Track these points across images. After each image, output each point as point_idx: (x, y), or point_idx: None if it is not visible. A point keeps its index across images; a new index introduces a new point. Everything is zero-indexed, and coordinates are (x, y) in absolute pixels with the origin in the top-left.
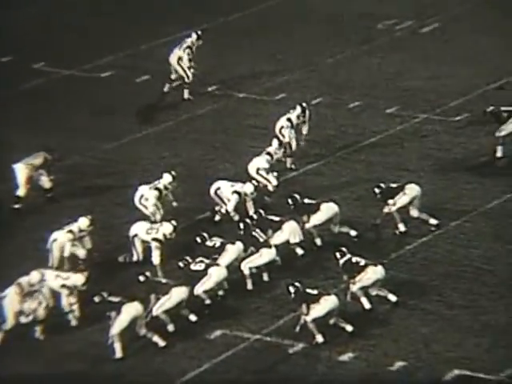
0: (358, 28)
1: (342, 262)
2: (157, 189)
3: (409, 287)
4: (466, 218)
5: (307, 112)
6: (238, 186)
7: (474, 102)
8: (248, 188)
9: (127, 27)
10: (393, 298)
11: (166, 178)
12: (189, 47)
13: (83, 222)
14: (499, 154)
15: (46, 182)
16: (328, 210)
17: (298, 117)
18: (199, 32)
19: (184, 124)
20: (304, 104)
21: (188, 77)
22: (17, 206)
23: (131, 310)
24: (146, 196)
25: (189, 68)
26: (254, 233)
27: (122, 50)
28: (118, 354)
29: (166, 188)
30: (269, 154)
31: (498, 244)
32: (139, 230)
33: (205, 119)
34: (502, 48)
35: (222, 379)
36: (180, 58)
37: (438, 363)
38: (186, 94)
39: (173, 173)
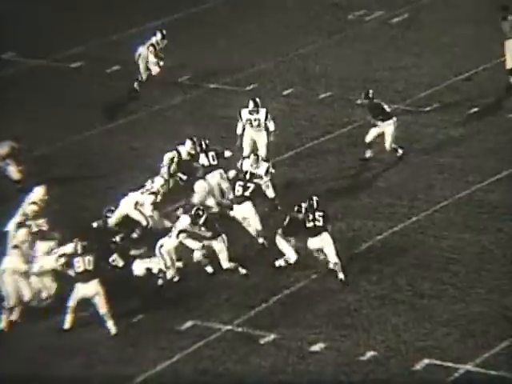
0: (328, 18)
1: None
2: (152, 193)
3: (379, 277)
4: (436, 208)
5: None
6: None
7: (443, 92)
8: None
9: (98, 17)
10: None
11: (158, 182)
12: (152, 45)
13: None
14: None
15: (14, 172)
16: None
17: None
18: (164, 31)
19: (155, 115)
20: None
21: (142, 76)
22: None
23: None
24: (140, 202)
25: (148, 68)
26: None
27: (92, 40)
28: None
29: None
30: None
31: (468, 234)
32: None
33: (176, 110)
34: (472, 38)
35: (193, 370)
36: (143, 56)
37: (409, 352)
38: (135, 85)
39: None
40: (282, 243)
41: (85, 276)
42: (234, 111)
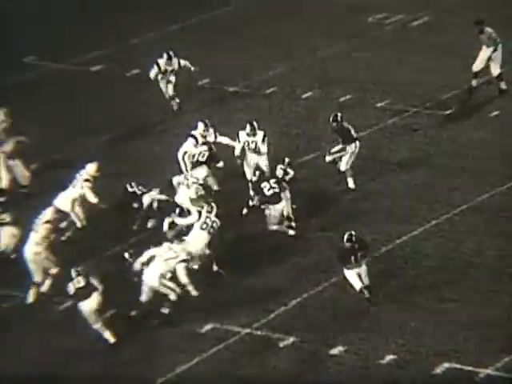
0: (348, 21)
1: None
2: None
3: (399, 281)
4: (456, 211)
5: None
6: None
7: (463, 95)
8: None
9: (118, 20)
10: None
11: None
12: (158, 67)
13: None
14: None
15: (21, 173)
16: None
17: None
18: (171, 53)
19: (173, 118)
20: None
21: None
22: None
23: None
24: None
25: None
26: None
27: (112, 44)
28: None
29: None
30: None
31: (488, 238)
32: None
33: (194, 113)
34: None
35: (212, 373)
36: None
37: (429, 356)
38: (173, 106)
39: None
40: (349, 276)
41: (82, 293)
42: (254, 114)
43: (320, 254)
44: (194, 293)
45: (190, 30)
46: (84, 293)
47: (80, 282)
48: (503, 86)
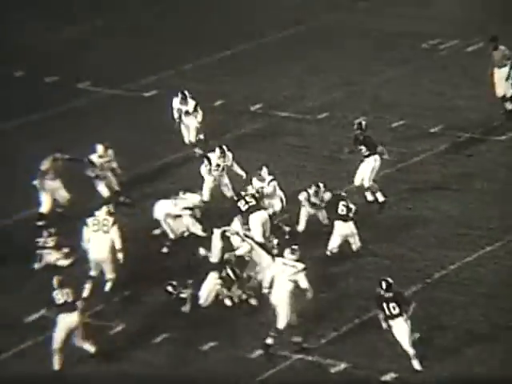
0: (401, 47)
1: None
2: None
3: (452, 307)
4: (511, 237)
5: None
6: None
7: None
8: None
9: (170, 47)
10: None
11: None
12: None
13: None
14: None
15: (62, 197)
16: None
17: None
18: (186, 92)
19: (227, 143)
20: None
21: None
22: (40, 224)
23: None
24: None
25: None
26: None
27: (165, 70)
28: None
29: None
30: None
31: None
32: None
33: (247, 138)
34: None
35: None
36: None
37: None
38: (196, 152)
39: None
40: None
41: (67, 307)
42: (306, 140)
43: (371, 280)
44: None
45: (243, 56)
46: (67, 307)
47: (69, 295)
48: (509, 106)
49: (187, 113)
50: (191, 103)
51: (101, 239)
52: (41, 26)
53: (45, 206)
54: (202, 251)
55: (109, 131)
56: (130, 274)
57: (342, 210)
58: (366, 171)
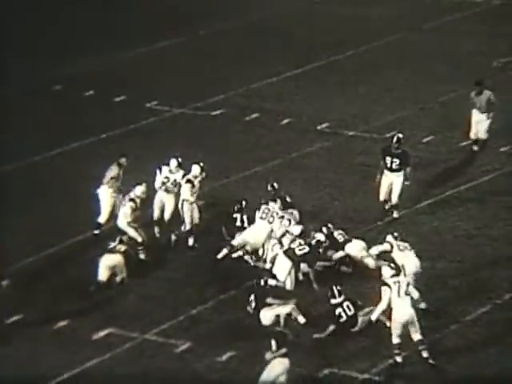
0: (471, 66)
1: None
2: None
3: None
4: None
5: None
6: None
7: None
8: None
9: (238, 66)
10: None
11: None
12: (189, 181)
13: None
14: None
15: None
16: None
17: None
18: (201, 164)
19: (293, 162)
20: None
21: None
22: (96, 232)
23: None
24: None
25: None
26: None
27: (232, 89)
28: None
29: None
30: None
31: None
32: None
33: (314, 157)
34: None
35: None
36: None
37: None
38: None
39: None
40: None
41: None
42: (373, 159)
43: (439, 300)
44: None
45: (310, 74)
46: None
47: None
48: (475, 148)
49: (175, 182)
50: (180, 172)
51: None
52: (109, 46)
53: (103, 216)
54: (271, 281)
55: (175, 150)
56: (195, 290)
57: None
58: (397, 187)
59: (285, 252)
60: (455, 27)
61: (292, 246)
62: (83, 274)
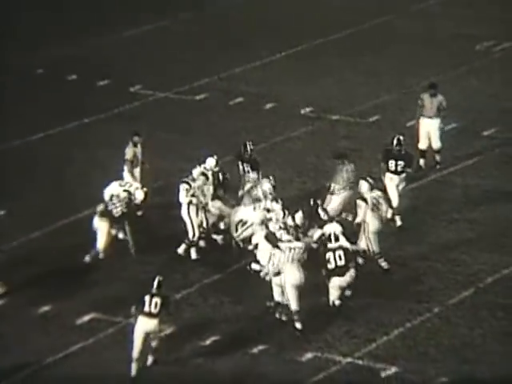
0: (455, 49)
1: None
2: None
3: (505, 311)
4: None
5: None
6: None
7: None
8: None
9: (221, 51)
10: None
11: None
12: (203, 174)
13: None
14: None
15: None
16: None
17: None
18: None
19: (277, 146)
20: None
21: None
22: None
23: None
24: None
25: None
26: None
27: (216, 73)
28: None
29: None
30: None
31: None
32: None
33: (298, 141)
34: None
35: None
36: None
37: None
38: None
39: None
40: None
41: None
42: (357, 143)
43: (423, 284)
44: None
45: (293, 58)
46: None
47: (156, 306)
48: (438, 158)
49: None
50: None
51: None
52: (92, 31)
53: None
54: (254, 266)
55: (159, 134)
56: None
57: None
58: (396, 191)
59: (266, 236)
60: (440, 11)
61: (273, 229)
62: (67, 258)
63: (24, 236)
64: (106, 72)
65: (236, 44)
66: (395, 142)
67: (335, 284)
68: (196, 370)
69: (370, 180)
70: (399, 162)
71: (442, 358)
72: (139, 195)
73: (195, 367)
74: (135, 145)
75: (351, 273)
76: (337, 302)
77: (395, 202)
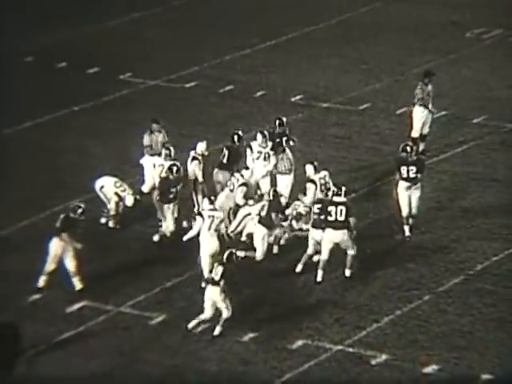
0: (445, 37)
1: None
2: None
3: (495, 299)
4: None
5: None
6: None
7: None
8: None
9: (211, 38)
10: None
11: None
12: (195, 158)
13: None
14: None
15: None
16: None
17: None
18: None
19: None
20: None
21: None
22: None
23: None
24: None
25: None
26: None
27: (206, 61)
28: None
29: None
30: None
31: None
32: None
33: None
34: None
35: None
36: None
37: None
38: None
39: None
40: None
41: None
42: (346, 130)
43: (413, 271)
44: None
45: (283, 46)
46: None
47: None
48: (422, 146)
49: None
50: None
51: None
52: (81, 18)
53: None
54: (239, 253)
55: (148, 122)
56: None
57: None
58: (416, 199)
59: (259, 220)
60: None
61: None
62: None
63: (13, 225)
64: (95, 60)
65: (226, 32)
66: (405, 149)
67: (328, 237)
68: (186, 358)
69: (315, 163)
70: (411, 168)
71: (432, 345)
72: (129, 201)
73: (185, 355)
74: (152, 132)
75: (345, 232)
76: (347, 272)
77: (405, 211)
